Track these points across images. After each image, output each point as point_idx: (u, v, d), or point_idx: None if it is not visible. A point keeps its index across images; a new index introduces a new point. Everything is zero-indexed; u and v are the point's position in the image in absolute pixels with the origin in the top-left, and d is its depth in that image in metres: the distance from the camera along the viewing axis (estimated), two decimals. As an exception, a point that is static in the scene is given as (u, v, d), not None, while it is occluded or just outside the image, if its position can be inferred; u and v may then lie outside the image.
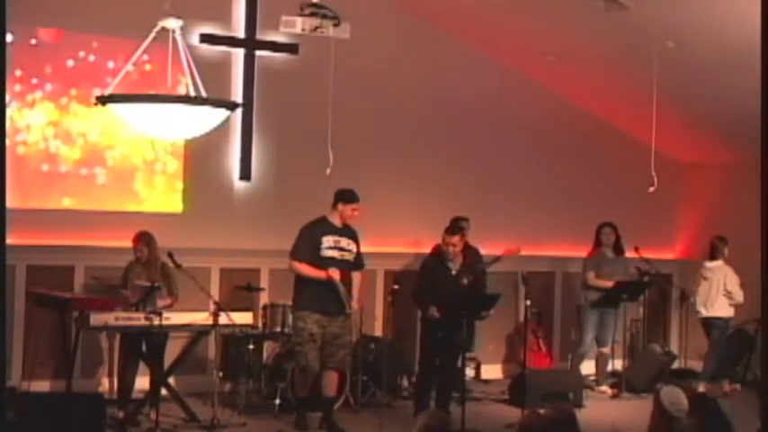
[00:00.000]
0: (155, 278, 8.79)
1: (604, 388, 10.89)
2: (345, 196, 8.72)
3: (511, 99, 11.65)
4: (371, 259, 10.81)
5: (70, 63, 9.73)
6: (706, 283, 10.99)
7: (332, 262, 8.59)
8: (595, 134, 12.14)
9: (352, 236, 8.80)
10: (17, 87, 9.46)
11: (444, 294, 8.90)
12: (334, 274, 8.53)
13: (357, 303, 8.86)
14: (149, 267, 8.96)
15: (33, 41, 9.54)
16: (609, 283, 10.75)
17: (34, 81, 9.61)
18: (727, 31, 9.15)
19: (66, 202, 9.77)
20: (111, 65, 9.68)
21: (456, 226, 9.56)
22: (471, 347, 10.37)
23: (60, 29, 9.66)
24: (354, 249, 8.76)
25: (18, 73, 9.46)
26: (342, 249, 8.68)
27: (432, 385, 9.07)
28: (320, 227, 8.66)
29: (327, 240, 8.62)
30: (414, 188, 11.20)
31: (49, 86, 9.66)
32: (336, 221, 8.70)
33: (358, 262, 8.86)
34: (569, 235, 11.24)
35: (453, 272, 9.06)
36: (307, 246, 8.60)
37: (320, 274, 8.52)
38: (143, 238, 9.02)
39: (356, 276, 8.87)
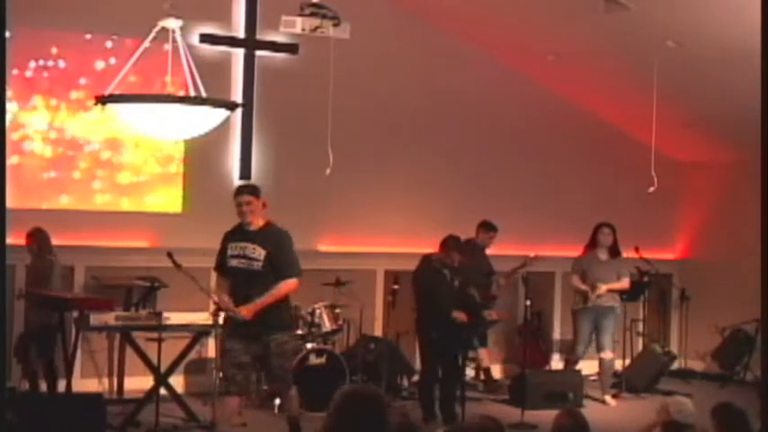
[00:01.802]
0: (38, 281, 8.79)
1: (608, 399, 10.43)
2: None
3: (511, 99, 11.64)
4: (371, 259, 10.84)
5: (69, 63, 9.73)
6: None
7: (234, 272, 7.54)
8: (595, 134, 12.13)
9: (265, 240, 7.46)
10: (15, 78, 9.45)
11: (445, 304, 8.94)
12: (214, 297, 7.69)
13: (249, 311, 7.39)
14: (34, 267, 8.96)
15: (33, 40, 9.54)
16: (585, 287, 10.32)
17: (33, 80, 9.62)
18: (727, 30, 9.14)
19: (66, 203, 9.77)
20: (111, 60, 9.69)
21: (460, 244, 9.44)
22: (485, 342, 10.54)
23: (60, 29, 9.66)
24: (262, 256, 7.43)
25: (15, 72, 9.46)
26: (247, 258, 7.47)
27: (435, 390, 9.08)
28: (233, 232, 7.61)
29: (232, 248, 7.54)
30: (414, 188, 11.20)
31: (47, 86, 9.67)
32: (254, 222, 7.53)
33: (278, 272, 7.44)
34: (569, 235, 11.21)
35: (448, 277, 9.14)
36: (219, 255, 7.69)
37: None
38: (31, 236, 8.95)
39: (285, 285, 7.49)
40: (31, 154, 9.65)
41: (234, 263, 7.52)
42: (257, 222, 7.50)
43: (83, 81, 9.75)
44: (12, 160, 9.30)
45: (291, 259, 7.55)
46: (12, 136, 9.31)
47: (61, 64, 9.70)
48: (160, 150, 10.13)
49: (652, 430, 5.86)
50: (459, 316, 8.93)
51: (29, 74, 9.59)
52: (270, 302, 7.43)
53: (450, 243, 9.17)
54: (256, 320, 7.39)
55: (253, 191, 7.58)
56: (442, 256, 9.14)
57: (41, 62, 9.63)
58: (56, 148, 9.73)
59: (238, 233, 7.55)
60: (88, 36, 9.77)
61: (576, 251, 10.73)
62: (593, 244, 10.52)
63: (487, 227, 10.68)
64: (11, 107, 9.25)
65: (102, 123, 9.73)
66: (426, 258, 9.23)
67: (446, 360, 9.06)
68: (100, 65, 9.77)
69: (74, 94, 9.74)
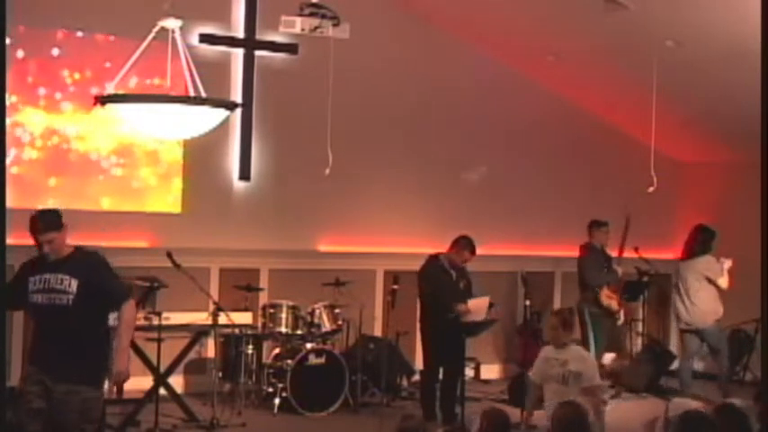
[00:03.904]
0: None
1: None
2: None
3: (511, 99, 11.64)
4: (371, 259, 10.84)
5: (69, 62, 9.72)
6: None
7: (36, 310, 6.22)
8: (595, 134, 12.14)
9: (76, 268, 6.15)
10: (15, 79, 9.44)
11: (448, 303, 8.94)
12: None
13: (124, 368, 6.22)
14: None
15: (33, 41, 9.53)
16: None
17: (32, 80, 9.62)
18: (727, 30, 9.14)
19: (65, 203, 9.76)
20: (109, 64, 9.69)
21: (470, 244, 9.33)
22: None
23: (59, 29, 9.66)
24: (74, 288, 6.08)
25: (15, 72, 9.45)
26: (54, 291, 6.11)
27: (437, 390, 9.08)
28: (32, 262, 6.29)
29: (34, 281, 6.16)
30: (413, 188, 11.19)
31: (47, 86, 9.66)
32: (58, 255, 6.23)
33: (111, 301, 6.23)
34: (569, 235, 11.20)
35: (454, 277, 9.13)
36: (12, 287, 6.22)
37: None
38: None
39: (129, 309, 6.26)
40: (30, 155, 9.64)
41: (36, 299, 6.15)
42: (62, 253, 6.21)
43: (81, 80, 9.74)
44: (11, 167, 9.30)
45: (118, 282, 6.37)
46: (11, 137, 9.31)
47: (61, 64, 9.69)
48: (159, 150, 10.12)
49: (655, 424, 5.87)
50: (461, 308, 8.89)
51: (28, 74, 9.58)
52: (131, 337, 6.44)
53: (462, 242, 9.14)
54: (55, 362, 6.10)
55: (53, 225, 6.17)
56: (452, 255, 9.12)
57: (41, 62, 9.62)
58: (55, 149, 9.72)
59: (40, 264, 6.21)
60: (88, 36, 9.76)
61: (575, 251, 10.71)
62: (707, 249, 10.49)
63: (599, 224, 10.50)
64: (10, 107, 9.24)
65: (101, 125, 9.73)
66: (434, 257, 9.22)
67: (447, 360, 9.05)
68: (99, 65, 9.76)
69: (71, 93, 9.73)
